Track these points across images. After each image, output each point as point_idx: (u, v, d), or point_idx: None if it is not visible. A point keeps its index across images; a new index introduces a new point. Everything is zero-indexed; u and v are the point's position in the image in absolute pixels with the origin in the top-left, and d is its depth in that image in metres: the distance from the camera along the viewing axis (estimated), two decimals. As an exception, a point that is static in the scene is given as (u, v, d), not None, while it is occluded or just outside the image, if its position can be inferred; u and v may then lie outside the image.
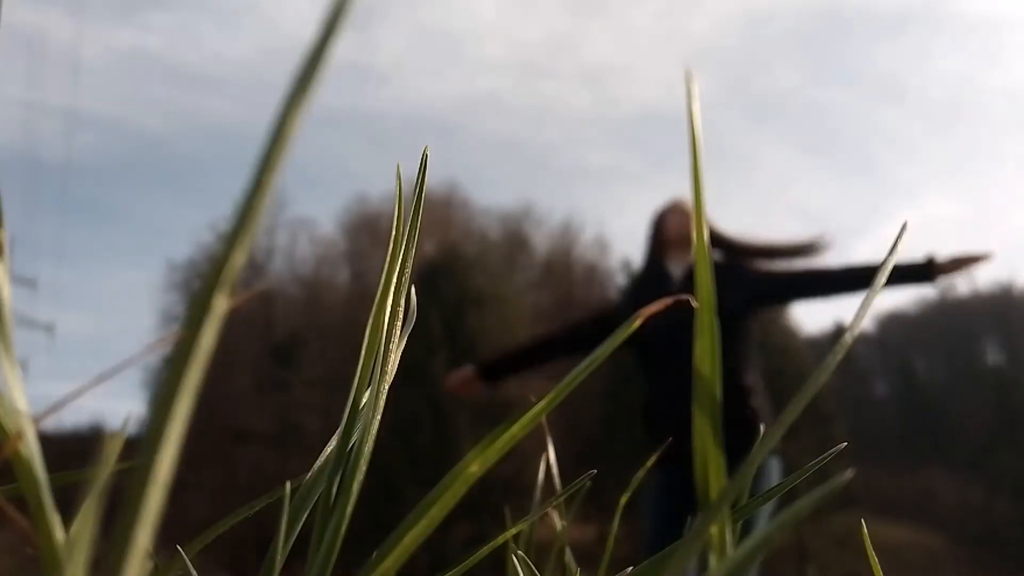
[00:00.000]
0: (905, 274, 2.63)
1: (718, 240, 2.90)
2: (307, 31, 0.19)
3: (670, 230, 2.92)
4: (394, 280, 0.39)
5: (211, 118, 39.30)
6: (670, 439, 2.63)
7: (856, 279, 2.73)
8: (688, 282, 2.82)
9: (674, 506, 2.58)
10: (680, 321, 2.74)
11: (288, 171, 0.20)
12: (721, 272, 2.82)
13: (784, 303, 2.94)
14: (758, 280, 2.79)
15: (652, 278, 2.91)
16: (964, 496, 29.04)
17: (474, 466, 0.31)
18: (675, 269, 2.87)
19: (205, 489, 20.05)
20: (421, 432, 20.37)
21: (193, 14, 39.86)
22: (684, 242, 2.88)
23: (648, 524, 2.65)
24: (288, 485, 0.37)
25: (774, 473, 2.52)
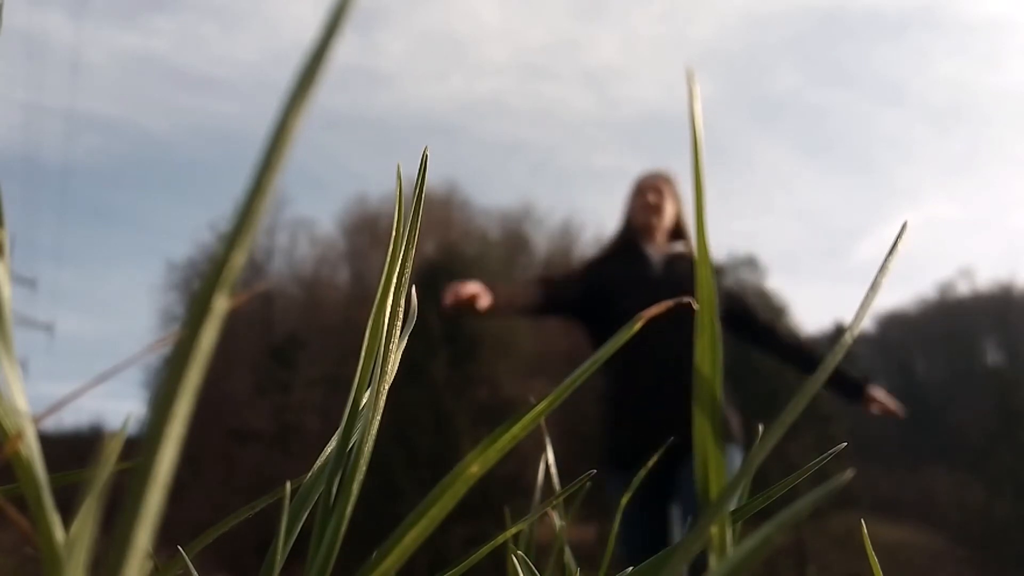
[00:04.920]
0: (837, 384, 2.78)
1: (685, 236, 2.87)
2: (310, 34, 0.19)
3: (636, 217, 2.87)
4: (394, 280, 0.39)
5: (214, 120, 39.39)
6: (638, 435, 2.61)
7: (797, 359, 2.80)
8: (667, 269, 2.76)
9: (650, 514, 2.52)
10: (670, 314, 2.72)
11: (288, 171, 0.20)
12: (685, 268, 2.76)
13: (729, 331, 2.84)
14: (727, 295, 2.77)
15: (630, 257, 2.83)
16: (964, 496, 29.04)
17: (474, 466, 0.31)
18: (652, 252, 2.81)
19: (205, 489, 20.05)
20: (421, 432, 20.36)
21: (197, 17, 39.94)
22: (653, 228, 2.82)
23: (630, 538, 2.54)
24: (288, 485, 0.37)
25: (737, 463, 2.50)
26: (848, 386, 2.78)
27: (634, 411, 2.63)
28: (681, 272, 2.76)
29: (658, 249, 2.82)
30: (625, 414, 2.66)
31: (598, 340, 2.77)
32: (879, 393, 2.78)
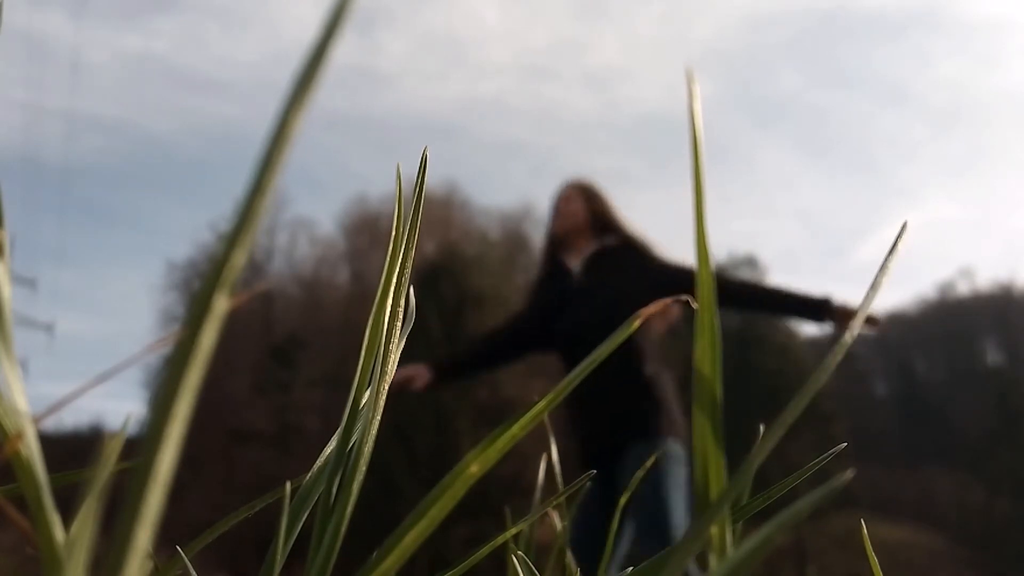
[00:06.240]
0: (800, 308, 2.65)
1: (613, 227, 2.86)
2: (310, 35, 0.19)
3: (554, 230, 2.90)
4: (394, 280, 0.39)
5: (214, 120, 39.38)
6: (590, 440, 2.63)
7: (758, 301, 2.73)
8: (586, 275, 2.78)
9: (593, 513, 2.50)
10: (590, 318, 2.75)
11: (288, 171, 0.20)
12: (618, 256, 2.79)
13: (748, 310, 2.85)
14: (662, 271, 2.74)
15: (551, 275, 2.88)
16: (964, 496, 29.03)
17: (474, 466, 0.31)
18: (573, 262, 2.84)
19: (205, 489, 20.04)
20: (421, 432, 20.36)
21: (197, 18, 39.94)
22: (572, 234, 2.85)
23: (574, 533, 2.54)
24: (288, 485, 0.37)
25: (678, 460, 2.50)
26: (811, 308, 2.62)
27: (577, 424, 2.67)
28: (602, 270, 2.77)
29: (579, 254, 2.84)
30: (573, 427, 2.69)
31: (560, 361, 2.83)
32: (842, 307, 2.56)
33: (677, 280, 2.70)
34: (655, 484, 2.35)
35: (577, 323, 2.74)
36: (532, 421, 0.32)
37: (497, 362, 2.90)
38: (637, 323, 0.35)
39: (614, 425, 2.57)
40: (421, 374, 2.74)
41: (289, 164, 0.19)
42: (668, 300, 0.36)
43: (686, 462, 2.55)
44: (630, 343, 2.56)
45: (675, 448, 2.53)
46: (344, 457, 0.36)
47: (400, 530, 0.30)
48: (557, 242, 2.90)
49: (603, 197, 2.90)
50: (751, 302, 2.75)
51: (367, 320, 0.39)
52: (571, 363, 2.75)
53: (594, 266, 2.79)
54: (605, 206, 2.89)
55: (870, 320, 2.57)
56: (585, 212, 2.85)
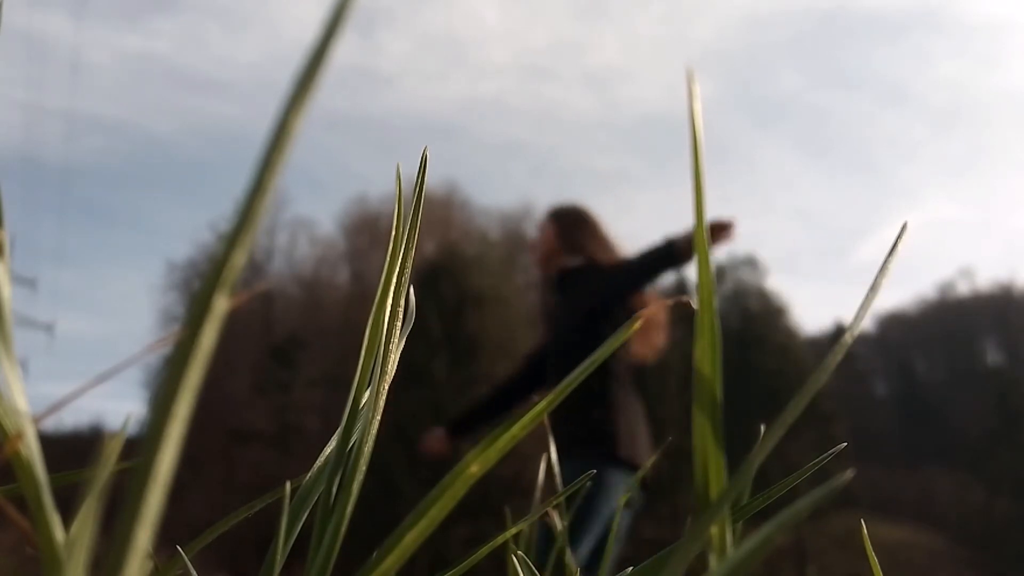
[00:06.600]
0: (657, 262, 2.61)
1: (580, 248, 2.86)
2: (311, 35, 0.19)
3: (532, 258, 3.06)
4: (394, 280, 0.39)
5: (215, 121, 39.41)
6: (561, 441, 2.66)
7: (630, 278, 2.70)
8: (556, 299, 2.88)
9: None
10: (553, 343, 2.87)
11: (288, 171, 0.20)
12: (577, 277, 2.82)
13: (638, 288, 2.79)
14: (614, 273, 2.76)
15: (542, 300, 3.05)
16: (964, 496, 29.03)
17: (474, 466, 0.31)
18: (551, 285, 2.94)
19: (205, 489, 20.04)
20: (421, 432, 20.32)
21: (198, 18, 39.95)
22: (550, 262, 2.92)
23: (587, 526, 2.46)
24: (288, 485, 0.37)
25: (615, 488, 2.44)
26: (664, 257, 2.58)
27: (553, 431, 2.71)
28: (565, 293, 2.84)
29: (555, 277, 2.93)
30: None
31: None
32: (685, 237, 2.52)
33: (611, 284, 2.73)
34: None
35: (547, 349, 2.85)
36: (532, 421, 0.32)
37: (517, 399, 2.95)
38: (636, 325, 0.35)
39: (560, 441, 2.55)
40: (440, 440, 2.92)
41: (289, 164, 0.19)
42: (667, 300, 0.36)
43: (623, 492, 2.49)
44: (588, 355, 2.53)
45: (614, 476, 2.46)
46: (344, 457, 0.36)
47: (400, 530, 0.30)
48: (543, 271, 2.99)
49: (575, 219, 2.92)
50: (626, 282, 2.72)
51: (367, 320, 0.39)
52: (549, 368, 2.84)
53: (560, 290, 2.87)
54: (575, 229, 2.88)
55: (720, 229, 2.50)
56: (556, 238, 2.89)
